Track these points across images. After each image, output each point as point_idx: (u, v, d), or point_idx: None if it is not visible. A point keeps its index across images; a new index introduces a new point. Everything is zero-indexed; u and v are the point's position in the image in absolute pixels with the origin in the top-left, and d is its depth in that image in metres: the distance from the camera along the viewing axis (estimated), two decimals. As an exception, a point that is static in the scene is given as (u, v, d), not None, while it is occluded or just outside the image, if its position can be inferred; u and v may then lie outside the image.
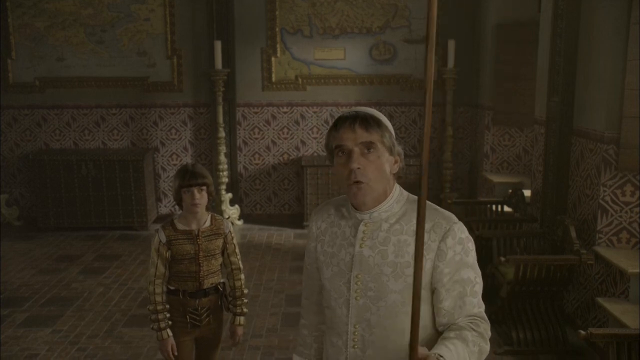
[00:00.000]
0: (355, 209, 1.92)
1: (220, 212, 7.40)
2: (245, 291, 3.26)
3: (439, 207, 1.92)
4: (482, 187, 7.19)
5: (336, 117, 1.90)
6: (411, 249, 1.82)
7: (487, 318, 1.87)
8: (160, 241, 3.06)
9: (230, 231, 3.20)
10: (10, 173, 7.90)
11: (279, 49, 7.68)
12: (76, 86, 7.75)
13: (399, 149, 1.88)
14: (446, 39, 7.35)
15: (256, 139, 7.87)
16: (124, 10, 7.61)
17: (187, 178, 3.01)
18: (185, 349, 3.18)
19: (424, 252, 1.76)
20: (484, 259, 5.29)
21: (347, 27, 7.65)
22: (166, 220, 3.17)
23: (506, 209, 5.82)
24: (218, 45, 7.06)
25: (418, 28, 7.62)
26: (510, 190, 5.77)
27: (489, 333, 1.85)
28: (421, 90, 7.75)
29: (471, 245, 1.86)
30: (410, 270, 1.80)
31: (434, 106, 7.73)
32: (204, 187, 3.05)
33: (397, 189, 1.93)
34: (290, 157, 7.89)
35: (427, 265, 1.80)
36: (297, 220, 7.69)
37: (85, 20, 7.63)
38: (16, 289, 5.62)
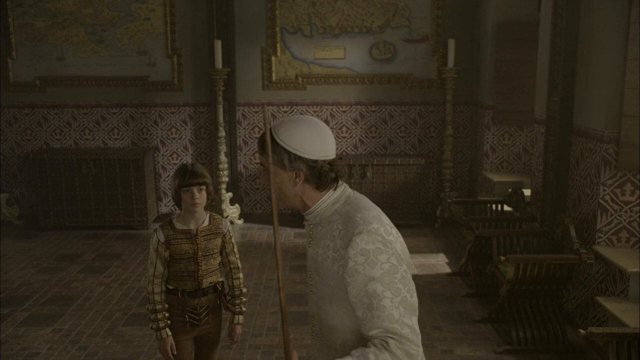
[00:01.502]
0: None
1: (221, 211, 7.41)
2: (244, 290, 3.26)
3: (360, 211, 1.89)
4: (482, 186, 7.20)
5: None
6: (330, 253, 1.89)
7: (409, 336, 1.80)
8: (159, 241, 3.06)
9: (228, 230, 3.20)
10: (10, 172, 7.91)
11: (279, 48, 7.69)
12: (76, 85, 7.75)
13: (295, 164, 1.89)
14: (446, 37, 7.37)
15: (256, 138, 7.87)
16: (124, 9, 7.61)
17: (187, 177, 3.01)
18: (184, 348, 3.19)
19: (337, 258, 1.86)
20: (484, 258, 5.30)
21: (347, 27, 7.65)
22: (165, 220, 3.18)
23: (506, 208, 5.82)
24: (218, 44, 7.07)
25: (418, 27, 7.62)
26: (510, 190, 5.77)
27: (411, 351, 1.79)
28: (421, 90, 7.76)
29: (383, 258, 1.80)
30: (331, 273, 1.89)
31: (435, 105, 7.75)
32: (204, 187, 3.05)
33: (333, 195, 1.95)
34: (291, 156, 7.87)
35: (340, 272, 1.85)
36: (297, 219, 7.69)
37: (86, 19, 7.63)
38: (17, 288, 5.62)
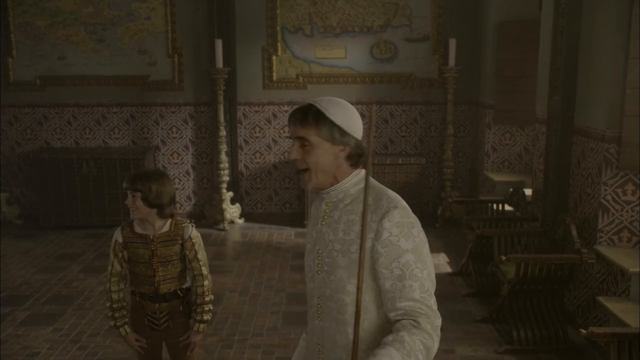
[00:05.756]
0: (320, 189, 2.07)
1: (222, 211, 7.41)
2: (208, 298, 3.12)
3: (388, 190, 2.00)
4: (483, 186, 7.19)
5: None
6: (356, 227, 1.94)
7: (434, 307, 1.87)
8: (117, 241, 3.05)
9: (190, 237, 3.06)
10: (11, 172, 7.90)
11: (279, 48, 7.68)
12: (77, 84, 7.74)
13: (345, 139, 1.95)
14: (447, 37, 7.36)
15: (257, 137, 7.87)
16: (125, 8, 7.60)
17: (125, 180, 2.96)
18: (148, 349, 3.17)
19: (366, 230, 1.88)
20: (485, 258, 5.29)
21: (348, 26, 7.64)
22: (127, 221, 3.12)
23: (507, 207, 5.81)
24: (219, 43, 7.06)
25: (419, 27, 7.61)
26: (511, 189, 5.76)
27: (437, 324, 1.86)
28: (422, 89, 7.75)
29: (415, 232, 1.89)
30: (354, 248, 1.92)
31: (436, 104, 7.74)
32: (138, 194, 2.93)
33: (359, 174, 2.02)
34: (291, 156, 7.87)
35: (368, 244, 1.89)
36: (297, 218, 7.69)
37: (86, 18, 7.62)
38: (17, 287, 5.62)
